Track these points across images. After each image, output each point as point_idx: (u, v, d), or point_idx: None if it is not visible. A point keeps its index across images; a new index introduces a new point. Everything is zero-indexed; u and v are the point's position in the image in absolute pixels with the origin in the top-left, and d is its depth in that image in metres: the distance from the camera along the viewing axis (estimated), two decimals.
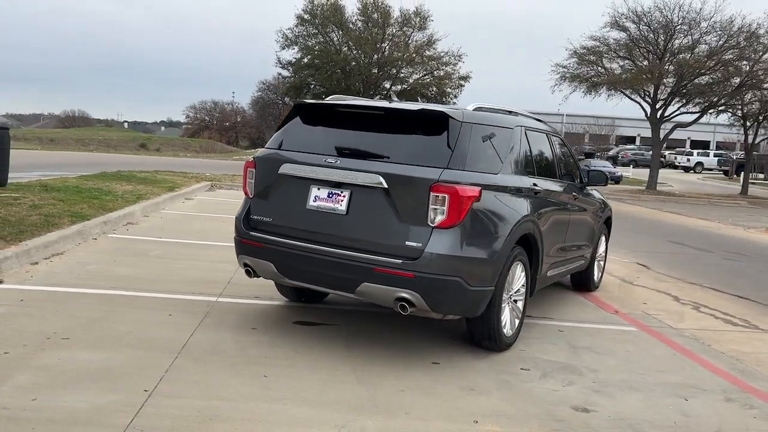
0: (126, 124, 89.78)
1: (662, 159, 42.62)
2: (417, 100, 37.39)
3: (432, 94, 34.42)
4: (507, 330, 5.03)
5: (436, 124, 4.57)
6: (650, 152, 33.96)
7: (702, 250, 11.99)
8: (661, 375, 4.87)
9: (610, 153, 55.61)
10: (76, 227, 7.90)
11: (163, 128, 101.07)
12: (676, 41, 27.17)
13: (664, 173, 40.33)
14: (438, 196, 4.30)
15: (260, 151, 5.08)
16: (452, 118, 4.56)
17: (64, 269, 6.42)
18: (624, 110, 49.27)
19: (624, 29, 27.16)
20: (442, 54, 34.31)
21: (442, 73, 34.38)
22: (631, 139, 69.42)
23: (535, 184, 5.36)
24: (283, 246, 4.72)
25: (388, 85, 34.62)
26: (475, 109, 5.01)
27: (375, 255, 4.39)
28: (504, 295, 4.89)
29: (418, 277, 4.28)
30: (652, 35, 27.33)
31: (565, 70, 28.15)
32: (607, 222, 7.87)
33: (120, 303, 5.42)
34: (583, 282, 7.51)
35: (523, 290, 5.24)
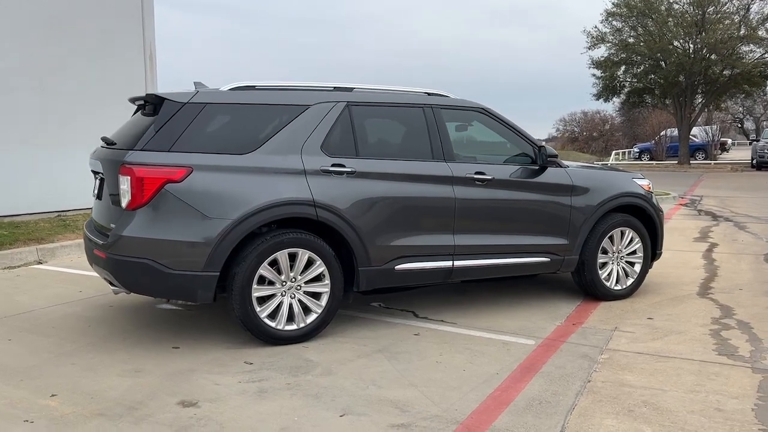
0: None
1: None
2: (760, 85, 30.81)
3: None
4: (280, 324, 4.60)
5: (155, 107, 4.57)
6: None
7: None
8: (389, 391, 3.84)
9: None
10: None
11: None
12: None
13: None
14: (122, 178, 4.34)
15: None
16: (168, 100, 4.51)
17: None
18: None
19: None
20: None
21: None
22: None
23: (338, 165, 4.75)
24: (84, 237, 5.28)
25: (717, 71, 29.52)
26: (234, 89, 4.77)
27: (98, 238, 4.65)
28: (266, 285, 4.53)
29: (108, 258, 4.39)
30: None
31: None
32: (635, 213, 6.07)
33: (76, 281, 6.66)
34: (585, 285, 5.99)
35: (327, 281, 4.71)
